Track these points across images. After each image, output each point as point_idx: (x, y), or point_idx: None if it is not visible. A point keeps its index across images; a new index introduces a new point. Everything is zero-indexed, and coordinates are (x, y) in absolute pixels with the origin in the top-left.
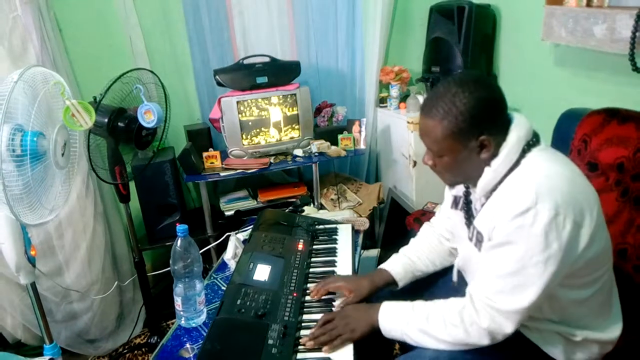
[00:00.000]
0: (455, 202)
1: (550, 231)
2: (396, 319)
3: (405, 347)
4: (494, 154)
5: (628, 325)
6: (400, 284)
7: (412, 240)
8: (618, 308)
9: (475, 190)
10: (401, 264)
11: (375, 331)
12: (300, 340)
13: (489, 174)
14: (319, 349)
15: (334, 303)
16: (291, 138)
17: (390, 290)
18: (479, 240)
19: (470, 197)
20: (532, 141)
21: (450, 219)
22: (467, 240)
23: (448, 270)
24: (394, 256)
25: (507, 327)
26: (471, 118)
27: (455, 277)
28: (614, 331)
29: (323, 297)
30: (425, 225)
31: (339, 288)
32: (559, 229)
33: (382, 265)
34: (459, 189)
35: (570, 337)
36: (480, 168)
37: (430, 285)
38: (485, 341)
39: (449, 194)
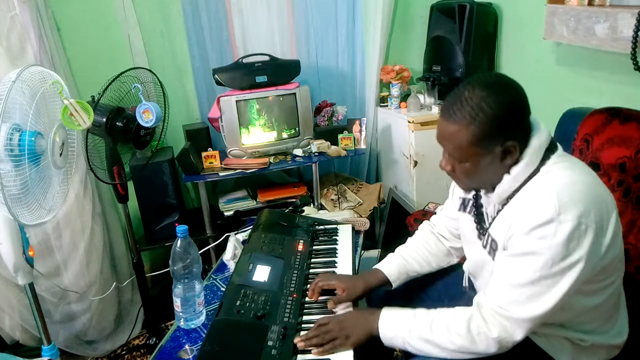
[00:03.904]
0: (463, 205)
1: (572, 240)
2: (397, 327)
3: (408, 352)
4: (517, 161)
5: (630, 327)
6: (394, 284)
7: (409, 239)
8: (625, 313)
9: (490, 196)
10: (395, 265)
11: (373, 339)
12: (294, 340)
13: (508, 181)
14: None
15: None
16: (291, 138)
17: (385, 290)
18: (493, 249)
19: (480, 200)
20: (550, 147)
21: (457, 221)
22: (479, 246)
23: (448, 272)
24: (389, 256)
25: (518, 335)
26: (498, 124)
27: (466, 282)
28: (621, 336)
29: (322, 298)
30: (424, 223)
31: (332, 286)
32: (580, 238)
33: (377, 266)
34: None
35: (579, 342)
36: (500, 174)
37: (428, 287)
38: (492, 350)
39: (456, 195)
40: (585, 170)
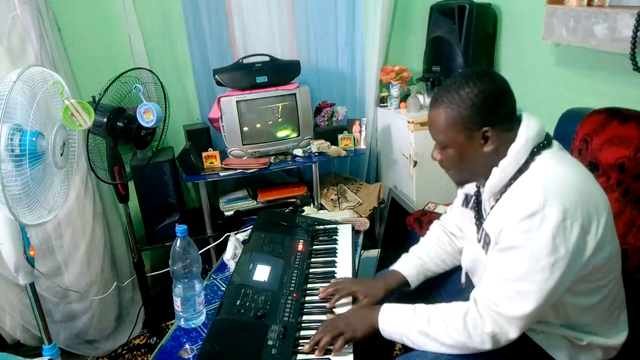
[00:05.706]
0: (466, 201)
1: (557, 235)
2: (396, 321)
3: (407, 349)
4: (502, 154)
5: (630, 328)
6: (413, 284)
7: (421, 239)
8: (625, 315)
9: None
10: (413, 265)
11: (377, 333)
12: (302, 346)
13: (497, 175)
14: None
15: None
16: (291, 138)
17: (401, 291)
18: (486, 243)
19: (482, 197)
20: (543, 143)
21: (460, 215)
22: (475, 241)
23: (456, 270)
24: (404, 256)
25: (511, 333)
26: (473, 107)
27: (463, 279)
28: (619, 337)
29: (323, 298)
30: (435, 223)
31: (354, 294)
32: (566, 233)
33: (394, 267)
34: (470, 188)
35: (576, 341)
36: (486, 165)
37: (439, 285)
38: (487, 346)
39: (461, 191)
40: (578, 168)
